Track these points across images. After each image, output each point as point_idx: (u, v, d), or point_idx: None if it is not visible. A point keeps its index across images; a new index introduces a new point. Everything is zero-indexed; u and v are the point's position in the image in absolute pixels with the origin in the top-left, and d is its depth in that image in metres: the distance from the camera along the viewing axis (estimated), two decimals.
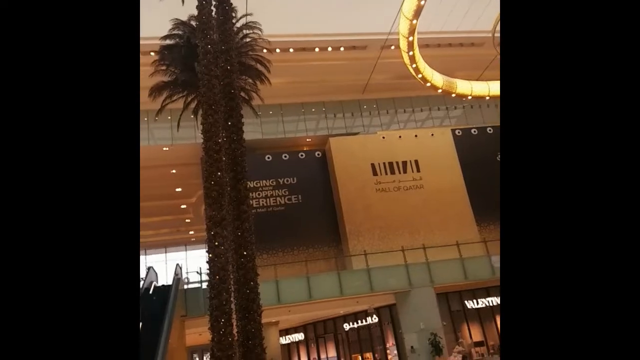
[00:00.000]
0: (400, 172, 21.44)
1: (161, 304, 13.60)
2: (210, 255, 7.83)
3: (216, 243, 7.81)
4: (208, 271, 7.99)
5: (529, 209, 1.38)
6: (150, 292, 15.24)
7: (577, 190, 1.34)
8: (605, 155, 1.34)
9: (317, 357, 22.59)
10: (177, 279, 15.52)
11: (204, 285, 16.46)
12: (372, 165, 21.37)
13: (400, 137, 21.96)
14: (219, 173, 8.29)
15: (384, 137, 22.06)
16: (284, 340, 23.19)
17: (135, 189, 1.62)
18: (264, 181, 21.07)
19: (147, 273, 16.02)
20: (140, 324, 13.45)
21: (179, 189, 24.65)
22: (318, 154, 22.16)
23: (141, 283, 15.82)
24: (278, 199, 21.07)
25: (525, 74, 1.51)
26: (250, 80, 12.93)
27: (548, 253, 1.33)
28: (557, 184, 1.37)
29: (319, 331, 22.89)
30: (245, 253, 8.43)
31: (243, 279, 8.19)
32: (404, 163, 21.58)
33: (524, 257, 1.35)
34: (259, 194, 20.52)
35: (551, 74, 1.48)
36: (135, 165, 1.60)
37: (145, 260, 32.12)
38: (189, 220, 28.89)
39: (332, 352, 22.33)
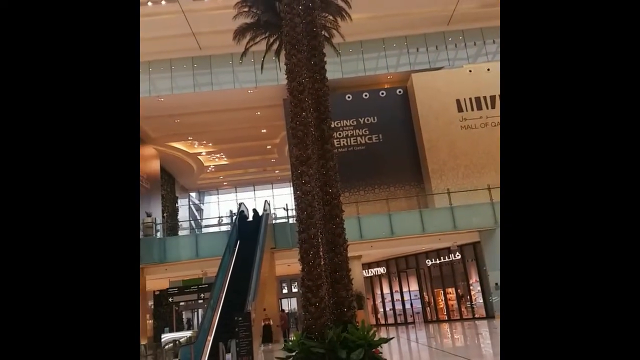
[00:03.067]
0: (487, 108, 20.37)
1: (253, 237, 14.65)
2: (298, 192, 8.21)
3: (303, 181, 8.16)
4: (296, 207, 8.43)
5: (531, 208, 1.33)
6: (243, 225, 16.40)
7: (579, 190, 1.28)
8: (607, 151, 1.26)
9: (399, 290, 23.32)
10: (266, 214, 16.50)
11: (291, 220, 17.43)
12: (457, 101, 20.48)
13: (488, 69, 20.63)
14: (304, 113, 8.47)
15: (470, 71, 20.87)
16: (367, 273, 24.10)
17: (135, 183, 1.57)
18: (345, 121, 21.13)
19: (239, 208, 17.21)
20: (235, 256, 14.68)
21: (264, 130, 25.53)
22: (399, 92, 21.61)
23: (234, 218, 17.08)
24: (359, 138, 21.13)
25: (526, 70, 1.42)
26: (330, 17, 12.69)
27: (550, 251, 1.29)
28: (560, 181, 1.31)
29: (400, 266, 23.44)
30: (330, 190, 8.71)
31: (329, 215, 8.54)
32: (492, 97, 20.43)
33: (525, 256, 1.32)
34: (339, 134, 20.70)
35: (554, 67, 1.39)
36: (135, 157, 1.54)
37: (237, 197, 34.35)
38: (274, 160, 30.06)
39: (414, 286, 22.89)
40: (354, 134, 21.15)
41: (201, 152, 28.37)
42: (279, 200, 27.72)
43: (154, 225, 18.30)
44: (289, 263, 18.06)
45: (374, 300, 24.41)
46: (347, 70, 21.51)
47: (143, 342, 16.55)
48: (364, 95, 21.48)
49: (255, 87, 20.90)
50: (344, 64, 21.09)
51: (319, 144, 9.02)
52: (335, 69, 19.81)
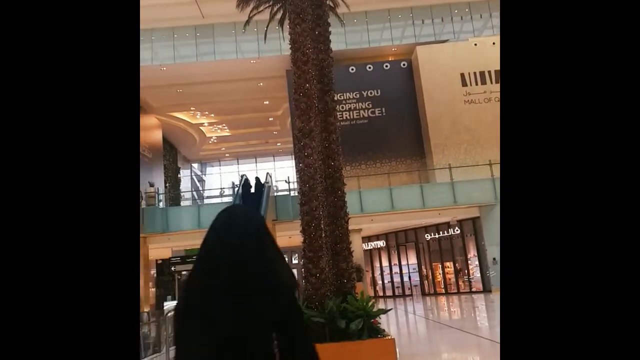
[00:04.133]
0: (492, 82, 20.16)
1: (255, 207, 14.74)
2: (300, 165, 8.21)
3: (305, 154, 8.15)
4: (297, 180, 8.46)
5: (532, 206, 1.32)
6: (246, 197, 16.48)
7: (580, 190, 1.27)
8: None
9: (398, 264, 23.62)
10: (268, 186, 16.56)
11: (292, 193, 17.50)
12: (462, 75, 20.25)
13: (494, 43, 20.31)
14: (307, 84, 8.39)
15: (476, 44, 20.56)
16: (367, 246, 24.36)
17: (135, 176, 1.50)
18: (348, 93, 20.95)
19: (241, 180, 17.28)
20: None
21: (266, 102, 25.34)
22: (404, 64, 21.34)
23: (236, 189, 17.17)
24: (361, 112, 20.99)
25: (526, 69, 1.40)
26: None
27: (551, 249, 1.28)
28: (561, 179, 1.30)
29: (400, 239, 23.68)
30: (332, 164, 8.70)
31: (331, 188, 8.57)
32: (497, 72, 20.15)
33: (525, 255, 1.30)
34: (342, 107, 20.55)
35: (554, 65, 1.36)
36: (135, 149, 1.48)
37: (238, 169, 34.43)
38: (276, 132, 29.95)
39: (412, 260, 23.19)
40: (357, 107, 21.01)
41: (203, 123, 28.26)
42: (281, 173, 27.77)
43: (156, 195, 18.40)
44: (290, 235, 18.21)
45: (373, 273, 24.76)
46: (351, 42, 21.19)
47: (146, 309, 16.88)
48: (367, 68, 21.23)
49: (258, 57, 20.64)
50: (348, 34, 20.76)
51: (322, 117, 8.96)
52: (339, 40, 19.50)
